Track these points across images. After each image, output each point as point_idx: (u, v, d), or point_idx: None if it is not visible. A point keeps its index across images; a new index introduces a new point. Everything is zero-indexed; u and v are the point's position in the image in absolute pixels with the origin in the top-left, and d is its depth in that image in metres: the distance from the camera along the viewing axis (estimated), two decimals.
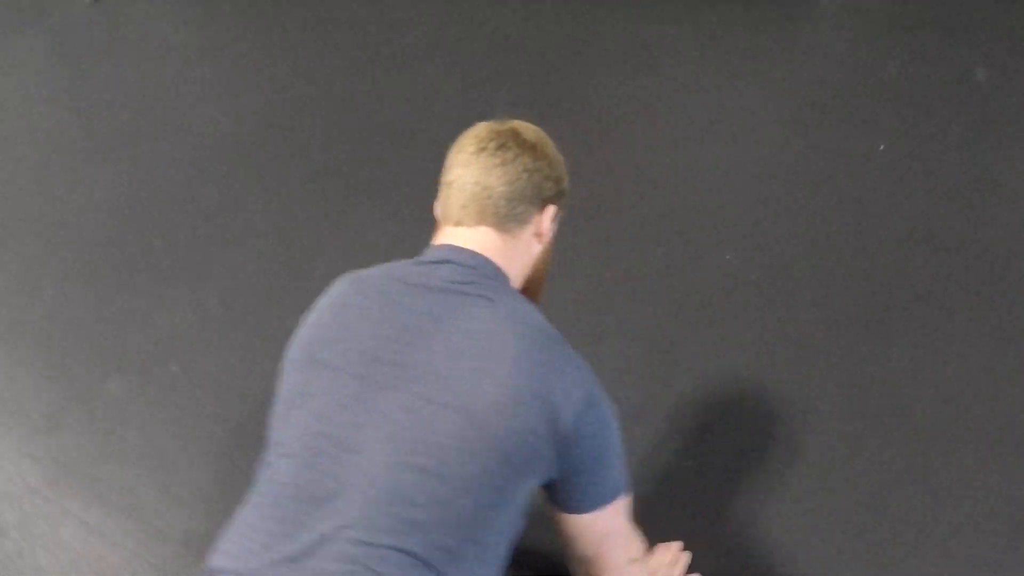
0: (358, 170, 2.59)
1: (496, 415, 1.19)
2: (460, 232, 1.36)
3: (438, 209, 1.42)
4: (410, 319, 1.27)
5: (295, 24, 3.16)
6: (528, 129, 1.42)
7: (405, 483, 1.18)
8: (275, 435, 1.30)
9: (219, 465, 1.86)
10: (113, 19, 3.21)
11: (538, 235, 1.40)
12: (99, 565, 1.72)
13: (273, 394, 1.34)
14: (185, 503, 1.80)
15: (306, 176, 2.57)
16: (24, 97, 2.94)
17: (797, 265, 2.25)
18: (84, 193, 2.55)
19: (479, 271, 1.32)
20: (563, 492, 1.30)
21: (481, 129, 1.41)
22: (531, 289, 1.44)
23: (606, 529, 1.35)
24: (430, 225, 1.44)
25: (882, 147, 2.57)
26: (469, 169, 1.36)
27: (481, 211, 1.35)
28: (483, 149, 1.37)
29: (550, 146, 1.43)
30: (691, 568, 1.64)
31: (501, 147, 1.37)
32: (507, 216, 1.36)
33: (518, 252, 1.38)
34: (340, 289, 1.37)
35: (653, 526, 1.61)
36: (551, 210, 1.41)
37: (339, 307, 1.33)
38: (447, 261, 1.33)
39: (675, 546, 1.65)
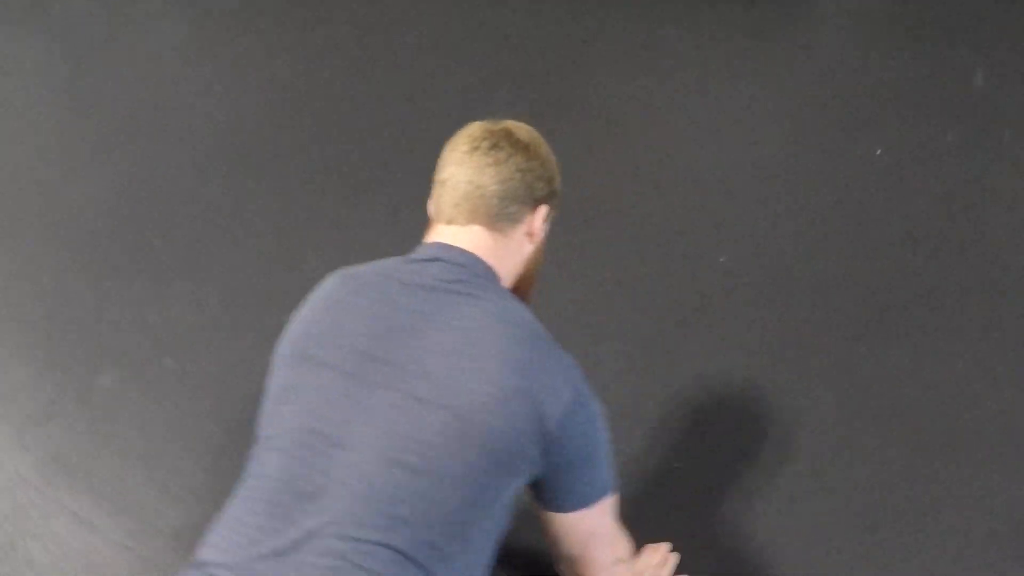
0: (357, 168, 2.59)
1: (483, 413, 1.20)
2: (452, 230, 1.37)
3: (431, 207, 1.42)
4: (401, 317, 1.28)
5: (295, 22, 3.16)
6: (521, 129, 1.42)
7: (392, 480, 1.18)
8: (264, 430, 1.30)
9: (212, 461, 1.87)
10: (113, 15, 3.22)
11: (530, 235, 1.41)
12: (89, 557, 1.73)
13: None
14: (177, 498, 1.81)
15: (305, 174, 2.57)
16: (22, 91, 2.94)
17: (793, 267, 2.25)
18: (83, 188, 2.56)
19: (470, 269, 1.33)
20: (549, 490, 1.30)
21: (475, 128, 1.41)
22: (521, 288, 1.45)
23: (592, 528, 1.35)
24: (428, 224, 1.45)
25: (879, 151, 2.57)
26: (462, 168, 1.37)
27: (473, 210, 1.36)
28: (476, 148, 1.37)
29: (543, 146, 1.43)
30: (679, 570, 1.64)
31: (494, 147, 1.37)
32: (499, 215, 1.36)
33: (509, 251, 1.39)
34: (331, 286, 1.38)
35: (643, 527, 1.61)
36: (543, 210, 1.41)
37: (330, 304, 1.34)
38: (438, 259, 1.34)
39: (664, 547, 1.65)
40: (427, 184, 1.43)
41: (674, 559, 1.65)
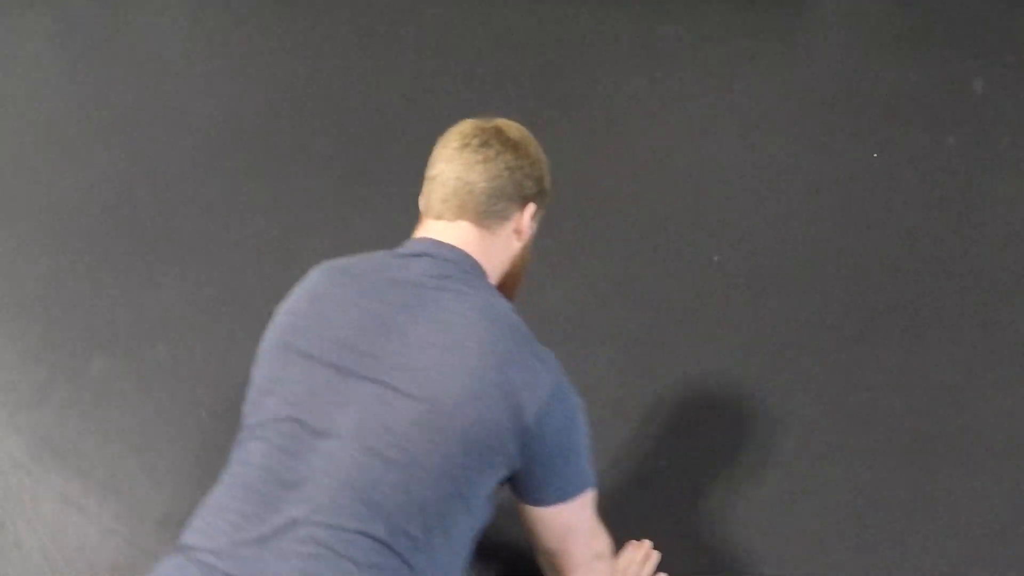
0: (355, 162, 2.60)
1: (461, 406, 1.21)
2: (440, 226, 1.38)
3: (422, 202, 1.44)
4: (385, 310, 1.29)
5: (295, 16, 3.17)
6: (512, 127, 1.43)
7: (372, 470, 1.20)
8: (249, 419, 1.32)
9: (201, 447, 1.88)
10: (114, 8, 3.23)
11: (518, 232, 1.42)
12: (78, 540, 1.74)
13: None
14: (165, 483, 1.83)
15: (303, 167, 2.58)
16: (23, 79, 2.96)
17: (788, 268, 2.26)
18: (79, 176, 2.57)
19: (456, 265, 1.34)
20: (526, 484, 1.32)
21: (466, 125, 1.42)
22: (508, 285, 1.46)
23: (570, 523, 1.36)
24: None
25: (876, 155, 2.57)
26: (452, 164, 1.38)
27: (461, 206, 1.37)
28: (466, 145, 1.38)
29: (533, 145, 1.44)
30: (661, 567, 1.66)
31: (484, 144, 1.38)
32: (487, 212, 1.37)
33: (497, 248, 1.40)
34: (317, 278, 1.39)
35: (627, 524, 1.63)
36: (531, 208, 1.42)
37: (315, 296, 1.35)
38: (425, 254, 1.35)
39: (645, 544, 1.67)
40: (422, 180, 1.44)
41: (656, 557, 1.66)
